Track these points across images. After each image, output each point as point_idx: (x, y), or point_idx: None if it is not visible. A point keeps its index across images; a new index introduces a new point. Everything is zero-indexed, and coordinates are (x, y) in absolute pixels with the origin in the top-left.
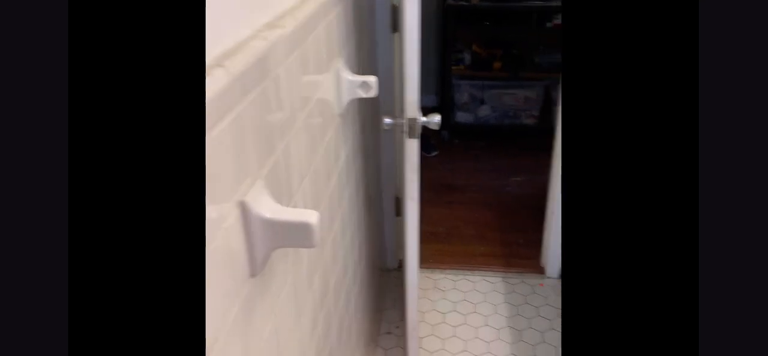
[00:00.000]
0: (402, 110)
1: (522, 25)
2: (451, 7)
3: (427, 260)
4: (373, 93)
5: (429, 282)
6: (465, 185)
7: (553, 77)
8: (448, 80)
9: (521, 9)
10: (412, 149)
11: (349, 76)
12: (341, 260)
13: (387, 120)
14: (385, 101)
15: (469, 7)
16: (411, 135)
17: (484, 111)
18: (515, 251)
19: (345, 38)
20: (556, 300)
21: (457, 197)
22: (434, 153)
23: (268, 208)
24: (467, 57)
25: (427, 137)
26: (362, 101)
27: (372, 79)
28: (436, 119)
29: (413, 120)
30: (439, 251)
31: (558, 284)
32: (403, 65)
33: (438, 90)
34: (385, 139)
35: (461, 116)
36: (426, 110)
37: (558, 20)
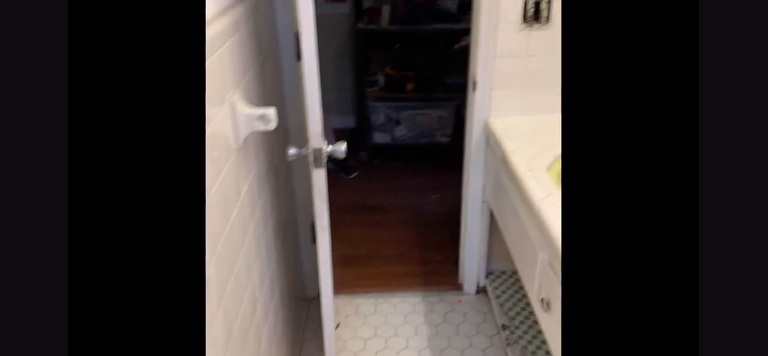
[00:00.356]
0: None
1: (431, 48)
2: (362, 31)
3: (348, 285)
4: (272, 126)
5: (350, 307)
6: (385, 206)
7: (462, 97)
8: (364, 103)
9: (429, 32)
10: (319, 178)
11: (247, 110)
12: (247, 300)
13: (292, 151)
14: (295, 130)
15: (380, 31)
16: (317, 165)
17: (400, 131)
18: (434, 269)
19: (243, 69)
20: (475, 317)
21: (378, 218)
22: (354, 175)
23: None
24: (381, 79)
25: (346, 159)
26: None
27: (270, 112)
28: (341, 147)
29: (318, 150)
30: (360, 274)
31: (475, 300)
32: (304, 95)
33: (356, 112)
34: (298, 165)
35: (379, 137)
36: (344, 133)
37: (464, 42)
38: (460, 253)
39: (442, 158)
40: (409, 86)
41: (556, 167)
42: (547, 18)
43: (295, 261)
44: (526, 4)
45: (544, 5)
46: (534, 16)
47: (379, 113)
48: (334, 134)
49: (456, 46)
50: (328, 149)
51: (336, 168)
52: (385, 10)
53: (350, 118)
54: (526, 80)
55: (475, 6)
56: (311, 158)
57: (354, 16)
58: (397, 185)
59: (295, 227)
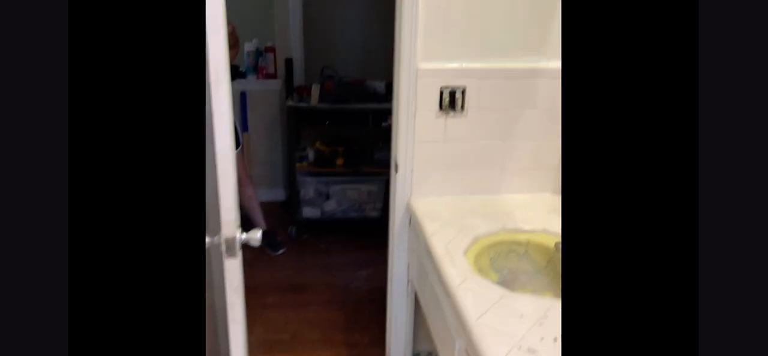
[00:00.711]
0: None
1: (360, 125)
2: (292, 108)
3: None
4: None
5: None
6: (313, 284)
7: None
8: (294, 177)
9: (357, 110)
10: (232, 268)
11: None
12: None
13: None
14: (213, 215)
15: (309, 109)
16: (229, 254)
17: (330, 206)
18: (362, 352)
19: None
20: None
21: (304, 297)
22: (281, 251)
23: None
24: (311, 154)
25: (274, 234)
26: None
27: None
28: (256, 235)
29: (231, 239)
30: None
31: None
32: (217, 182)
33: (286, 184)
34: (216, 249)
35: (308, 211)
36: (274, 206)
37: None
38: (387, 335)
39: (372, 232)
40: (339, 161)
41: (473, 249)
42: (462, 107)
43: (213, 348)
44: (441, 94)
45: (458, 95)
46: (449, 104)
47: (309, 188)
48: (261, 207)
49: (384, 124)
50: (243, 237)
51: (262, 244)
52: (315, 89)
53: (280, 191)
54: (445, 164)
55: (395, 94)
56: (223, 248)
57: (285, 92)
58: (326, 261)
59: (214, 313)
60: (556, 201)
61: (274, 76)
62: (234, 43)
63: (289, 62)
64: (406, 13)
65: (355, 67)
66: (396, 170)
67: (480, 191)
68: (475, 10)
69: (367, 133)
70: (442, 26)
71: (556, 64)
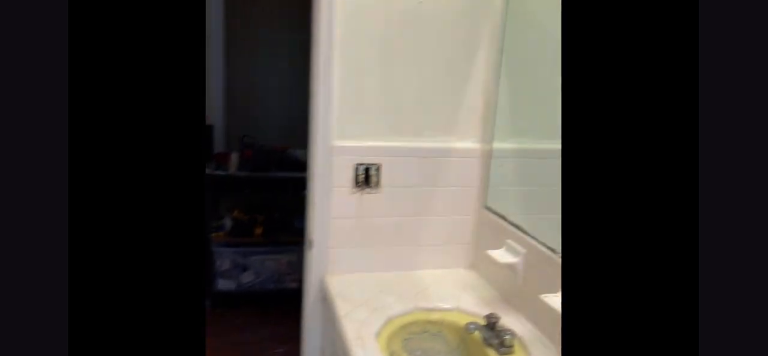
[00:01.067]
0: None
1: (280, 192)
2: (209, 176)
3: None
4: None
5: None
6: None
7: None
8: (209, 249)
9: (278, 179)
10: None
11: None
12: None
13: None
14: None
15: (227, 177)
16: None
17: (247, 277)
18: None
19: None
20: None
21: None
22: None
23: None
24: (228, 223)
25: None
26: None
27: None
28: None
29: None
30: None
31: None
32: None
33: None
34: None
35: (223, 284)
36: None
37: None
38: None
39: (291, 304)
40: (258, 230)
41: (386, 331)
42: (377, 183)
43: None
44: (356, 171)
45: (373, 172)
46: (365, 181)
47: (225, 259)
48: None
49: (304, 192)
50: None
51: None
52: (234, 157)
53: None
54: (360, 240)
55: (309, 171)
56: None
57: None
58: (242, 338)
59: None
60: (470, 277)
61: None
62: None
63: (208, 129)
64: (321, 91)
65: (278, 135)
66: (310, 247)
67: (395, 267)
68: (388, 91)
69: (288, 201)
70: (356, 105)
71: (466, 144)
